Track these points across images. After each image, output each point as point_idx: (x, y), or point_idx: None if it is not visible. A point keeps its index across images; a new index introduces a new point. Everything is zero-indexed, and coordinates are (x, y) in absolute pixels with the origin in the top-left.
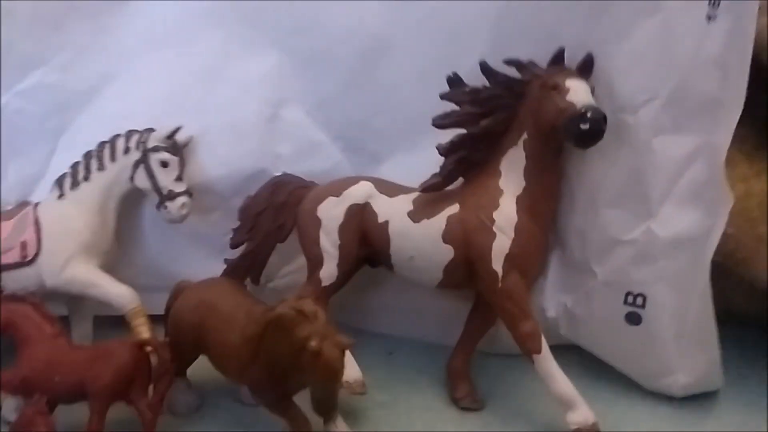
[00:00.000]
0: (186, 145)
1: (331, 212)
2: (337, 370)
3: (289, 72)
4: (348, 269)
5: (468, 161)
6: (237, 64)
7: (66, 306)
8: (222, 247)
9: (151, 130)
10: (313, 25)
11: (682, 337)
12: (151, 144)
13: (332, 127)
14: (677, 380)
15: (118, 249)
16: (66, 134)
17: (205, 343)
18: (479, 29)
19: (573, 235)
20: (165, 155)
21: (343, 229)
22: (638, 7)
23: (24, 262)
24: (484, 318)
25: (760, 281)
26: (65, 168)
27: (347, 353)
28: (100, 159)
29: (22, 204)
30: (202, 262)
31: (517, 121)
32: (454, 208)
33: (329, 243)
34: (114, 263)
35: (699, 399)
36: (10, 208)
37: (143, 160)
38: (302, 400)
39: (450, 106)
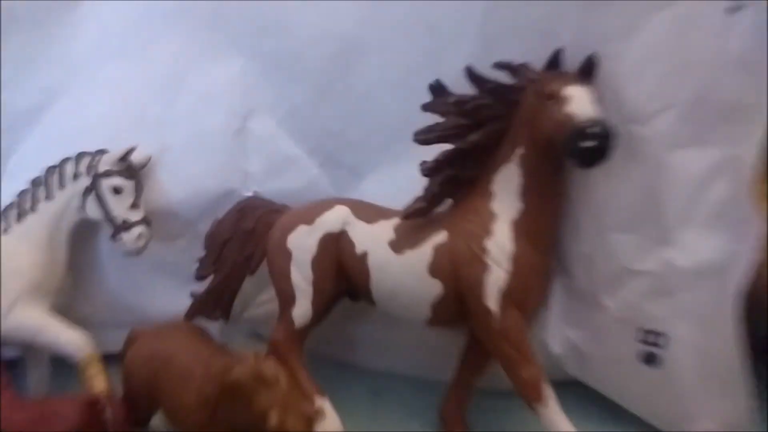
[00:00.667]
0: (143, 166)
1: (303, 243)
2: None
3: (256, 79)
4: (324, 307)
5: (456, 181)
6: (198, 72)
7: (19, 348)
8: (189, 277)
9: (102, 152)
10: (281, 27)
11: (707, 379)
12: (101, 168)
13: (306, 139)
14: (701, 426)
15: (72, 285)
16: (12, 158)
17: (159, 400)
18: (464, 28)
19: (579, 262)
20: (117, 180)
21: (316, 262)
22: None
23: None
24: (481, 354)
25: None
26: (13, 197)
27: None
28: (47, 187)
29: None
30: (169, 294)
31: (510, 133)
32: (441, 236)
33: (301, 278)
34: (68, 301)
35: None
36: None
37: (93, 187)
38: None
39: (434, 118)
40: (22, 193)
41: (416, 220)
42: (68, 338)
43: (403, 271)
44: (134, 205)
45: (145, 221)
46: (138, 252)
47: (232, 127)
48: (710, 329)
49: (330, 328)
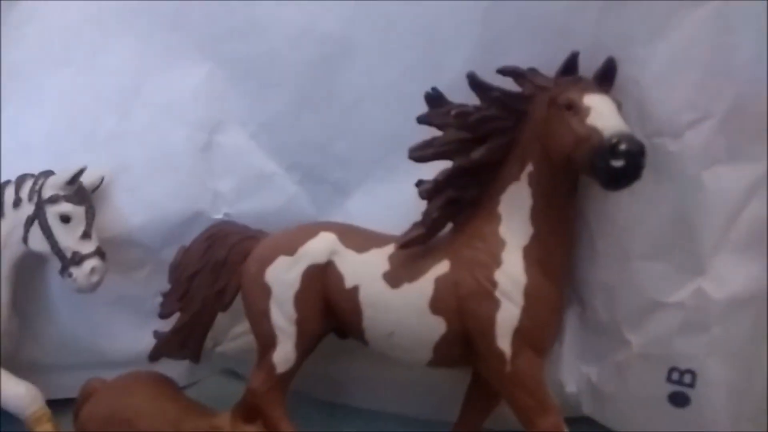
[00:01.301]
0: (95, 189)
1: (284, 277)
2: None
3: (224, 87)
4: (309, 348)
5: (457, 203)
6: (157, 80)
7: None
8: (151, 312)
9: (46, 173)
10: (253, 27)
11: (741, 420)
12: (46, 193)
13: (283, 153)
14: None
15: (18, 325)
16: None
17: None
18: (464, 28)
19: (597, 292)
20: (66, 206)
21: (300, 299)
22: None
23: None
24: (488, 394)
25: None
26: None
27: None
28: None
29: None
30: (128, 332)
31: (518, 148)
32: (443, 267)
33: (283, 317)
34: (13, 345)
35: None
36: None
37: (37, 216)
38: None
39: (430, 131)
40: None
41: (414, 249)
42: (14, 393)
43: (400, 308)
44: (85, 235)
45: (99, 253)
46: (91, 289)
47: (198, 142)
48: (744, 366)
49: (317, 366)
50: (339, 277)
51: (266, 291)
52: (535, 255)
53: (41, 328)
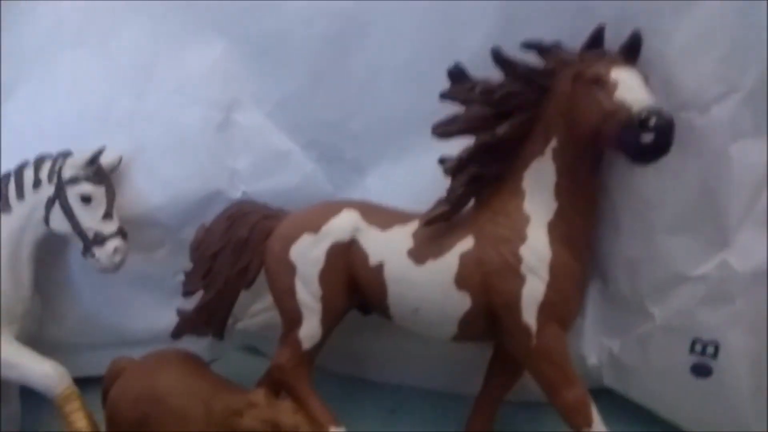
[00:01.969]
0: (115, 168)
1: (309, 255)
2: None
3: (239, 65)
4: (334, 324)
5: (481, 179)
6: (173, 59)
7: None
8: (173, 291)
9: (66, 154)
10: (266, 5)
11: (761, 389)
12: (67, 174)
13: (300, 131)
14: None
15: (41, 307)
16: None
17: None
18: (483, 3)
19: (619, 266)
20: (86, 187)
21: (324, 276)
22: None
23: None
24: (510, 367)
25: None
26: None
27: None
28: (4, 197)
29: None
30: (150, 310)
31: (541, 124)
32: (467, 243)
33: (308, 294)
34: (37, 325)
35: None
36: None
37: (57, 197)
38: None
39: (448, 108)
40: None
41: (438, 225)
42: (41, 373)
43: (425, 284)
44: (107, 215)
45: (121, 233)
46: (115, 269)
47: (214, 121)
48: (765, 336)
49: (338, 340)
50: (363, 255)
51: (291, 269)
52: (560, 230)
53: (63, 308)
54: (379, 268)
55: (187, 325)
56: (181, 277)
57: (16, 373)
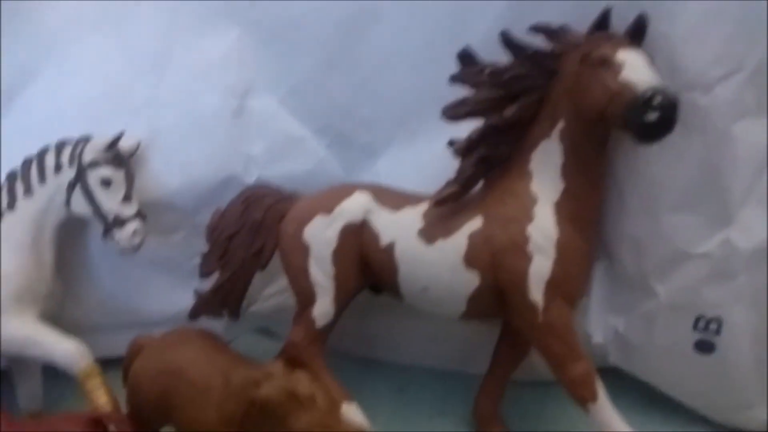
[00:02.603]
0: (133, 153)
1: (322, 235)
2: None
3: (253, 52)
4: (346, 303)
5: (490, 160)
6: (189, 46)
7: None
8: (189, 273)
9: (86, 139)
10: None
11: (763, 366)
12: (87, 158)
13: (313, 117)
14: (757, 415)
15: (62, 288)
16: None
17: (171, 417)
18: None
19: (624, 245)
20: (106, 171)
21: (337, 256)
22: None
23: None
24: (518, 346)
25: None
26: None
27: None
28: (26, 181)
29: None
30: (167, 292)
31: (549, 106)
32: (476, 223)
33: (321, 274)
34: (58, 306)
35: None
36: None
37: (79, 180)
38: None
39: (457, 90)
40: None
41: (447, 206)
42: (64, 349)
43: (435, 263)
44: (126, 198)
45: (140, 215)
46: (134, 250)
47: (230, 107)
48: (767, 312)
49: (348, 321)
50: (374, 235)
51: (305, 249)
52: (566, 210)
53: (83, 291)
54: (390, 247)
55: (204, 305)
56: (197, 261)
57: (40, 351)
